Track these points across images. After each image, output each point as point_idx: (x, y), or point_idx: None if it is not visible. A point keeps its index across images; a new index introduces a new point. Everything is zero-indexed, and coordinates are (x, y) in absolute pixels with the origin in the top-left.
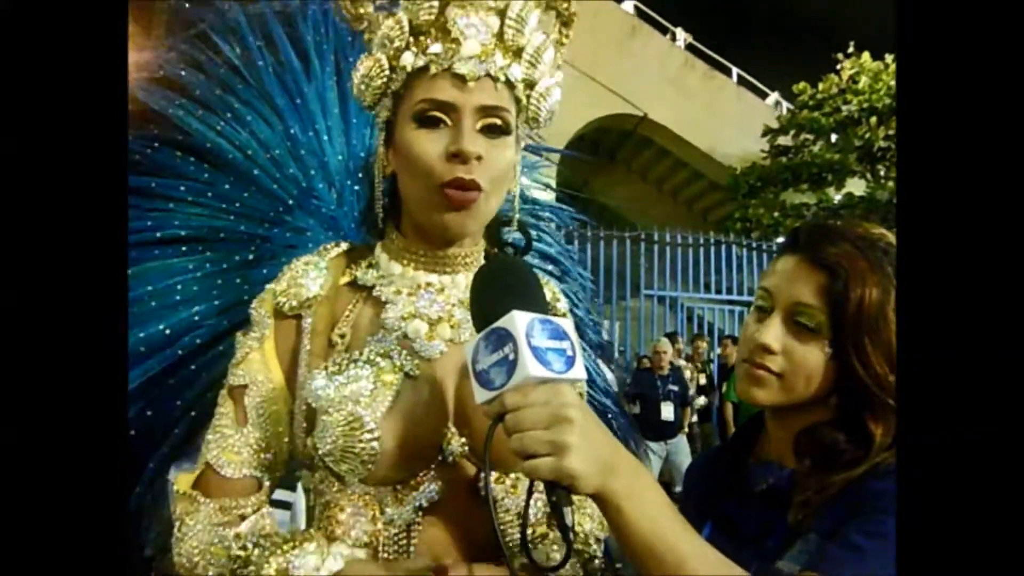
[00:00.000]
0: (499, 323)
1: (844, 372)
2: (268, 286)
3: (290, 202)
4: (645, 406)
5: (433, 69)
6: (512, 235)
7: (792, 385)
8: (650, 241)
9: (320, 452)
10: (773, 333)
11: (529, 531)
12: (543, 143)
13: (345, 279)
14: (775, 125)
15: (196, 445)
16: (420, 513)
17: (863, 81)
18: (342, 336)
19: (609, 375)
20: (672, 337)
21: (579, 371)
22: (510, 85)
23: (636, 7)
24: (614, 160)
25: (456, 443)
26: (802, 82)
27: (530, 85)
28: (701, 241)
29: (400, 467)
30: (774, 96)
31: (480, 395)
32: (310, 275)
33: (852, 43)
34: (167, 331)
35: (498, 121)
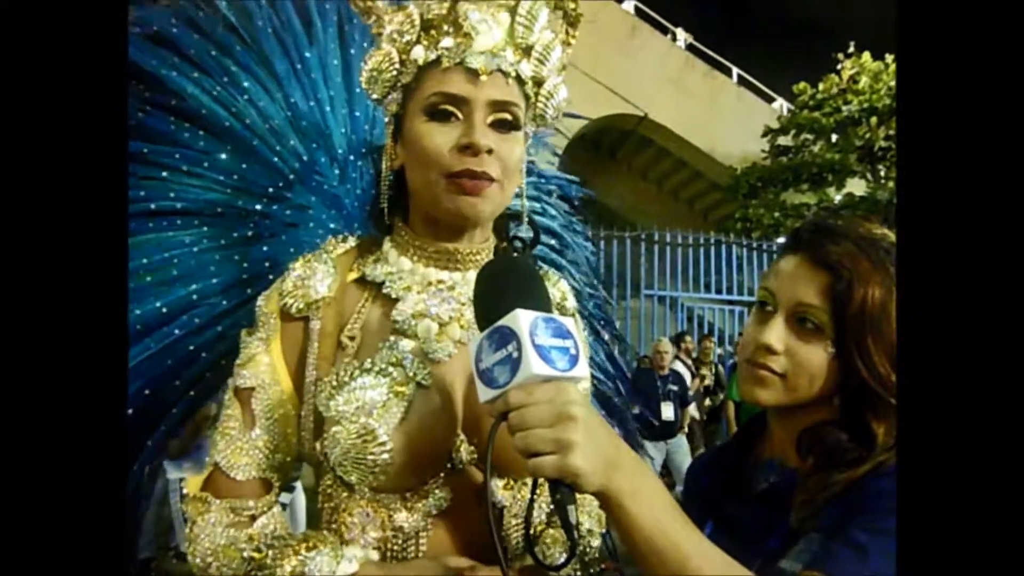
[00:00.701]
0: (502, 321)
1: (847, 372)
2: (273, 284)
3: (291, 177)
4: (645, 405)
5: (445, 63)
6: (519, 230)
7: (795, 385)
8: (650, 241)
9: (330, 460)
10: (776, 333)
11: (531, 530)
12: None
13: (353, 275)
14: (775, 125)
15: (194, 431)
16: (429, 520)
17: (863, 81)
18: (352, 338)
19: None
20: (681, 337)
21: (582, 369)
22: (520, 81)
23: (636, 7)
24: (615, 160)
25: (465, 450)
26: (802, 82)
27: (538, 83)
28: (701, 241)
29: (410, 476)
30: (780, 102)
31: (484, 393)
32: (317, 275)
33: (852, 43)
34: (164, 309)
35: (508, 116)
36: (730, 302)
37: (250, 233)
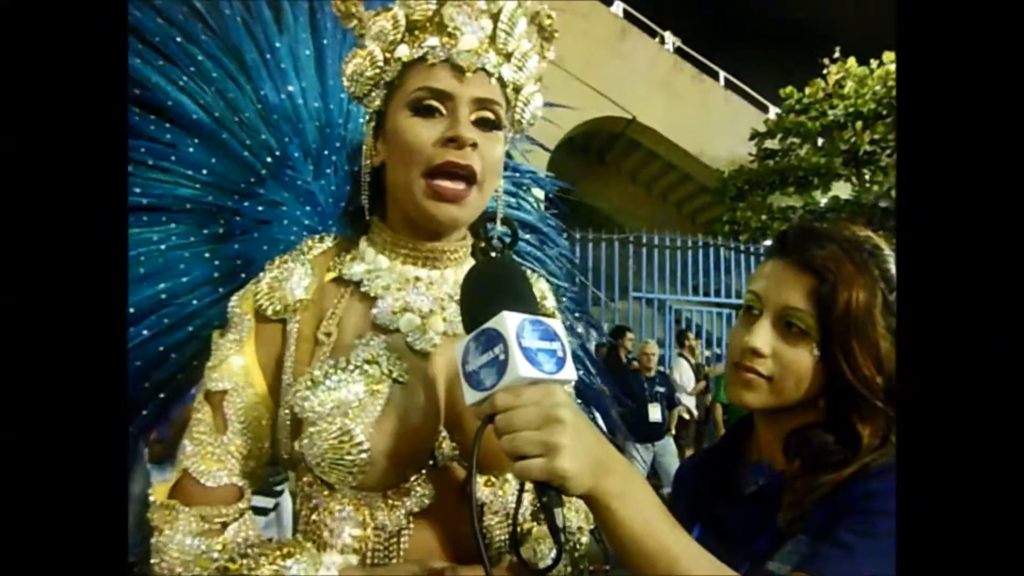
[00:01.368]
0: (489, 324)
1: (832, 374)
2: (248, 285)
3: (263, 172)
4: (633, 407)
5: (431, 59)
6: (498, 230)
7: (781, 388)
8: (639, 243)
9: (308, 461)
10: (763, 336)
11: (518, 530)
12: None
13: (331, 275)
14: (762, 129)
15: (177, 435)
16: (410, 518)
17: (849, 86)
18: (328, 335)
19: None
20: (683, 336)
21: (570, 372)
22: (502, 83)
23: (625, 10)
24: (603, 162)
25: (447, 447)
26: (789, 86)
27: (517, 89)
28: (689, 244)
29: (391, 474)
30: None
31: (470, 396)
32: (294, 277)
33: (838, 48)
34: (131, 309)
35: (491, 115)
36: (718, 304)
37: (221, 230)
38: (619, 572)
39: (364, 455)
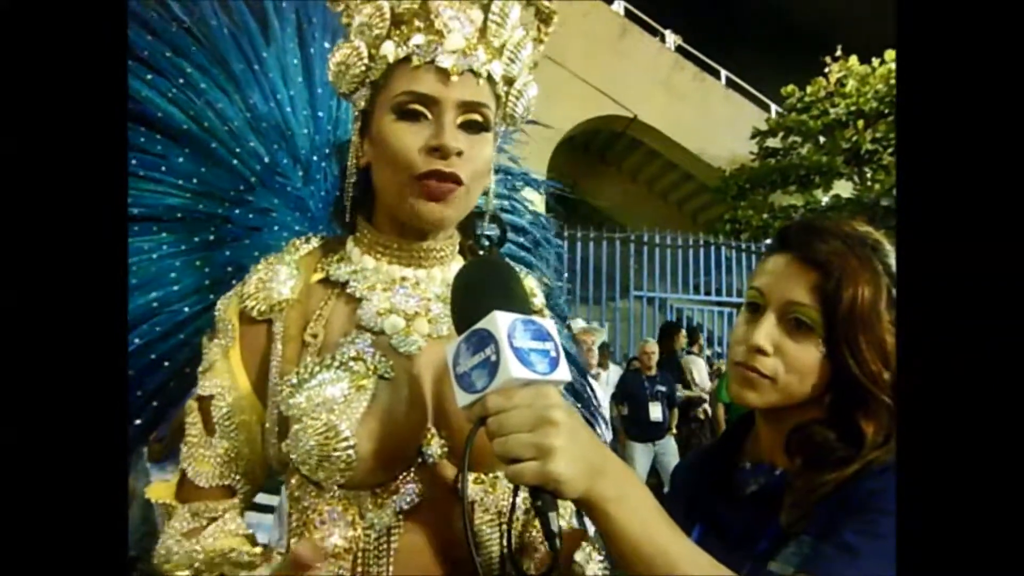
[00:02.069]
0: (480, 324)
1: (838, 370)
2: (234, 288)
3: (252, 180)
4: (633, 407)
5: (415, 61)
6: (486, 228)
7: (785, 385)
8: (640, 242)
9: (295, 460)
10: (766, 334)
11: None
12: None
13: (317, 276)
14: (764, 127)
15: (177, 434)
16: (400, 516)
17: (850, 84)
18: (315, 336)
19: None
20: (693, 335)
21: (563, 372)
22: (491, 81)
23: (626, 9)
24: (604, 161)
25: (436, 444)
26: (790, 85)
27: (509, 82)
28: (691, 242)
29: (379, 471)
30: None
31: (462, 398)
32: (279, 277)
33: (840, 47)
34: None
35: (479, 117)
36: (719, 303)
37: (212, 238)
38: (618, 573)
39: (350, 451)
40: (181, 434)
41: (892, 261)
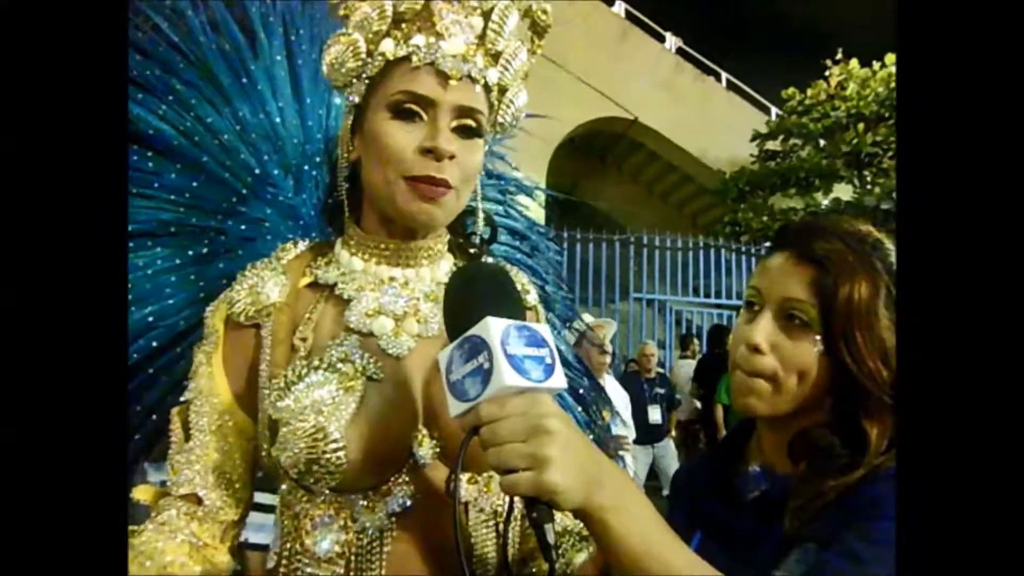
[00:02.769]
0: (473, 331)
1: (837, 370)
2: (223, 293)
3: (244, 191)
4: (632, 409)
5: (415, 61)
6: (476, 228)
7: (785, 386)
8: (639, 244)
9: (284, 464)
10: (763, 331)
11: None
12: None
13: (306, 280)
14: (764, 130)
15: (159, 453)
16: (392, 519)
17: (851, 88)
18: (304, 339)
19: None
20: (687, 340)
21: (559, 380)
22: (486, 88)
23: (627, 11)
24: (604, 163)
25: (427, 446)
26: (791, 88)
27: (502, 90)
28: (691, 245)
29: (370, 474)
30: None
31: (454, 407)
32: (267, 282)
33: (840, 50)
34: None
35: (472, 123)
36: (719, 306)
37: (205, 250)
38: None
39: (340, 453)
40: (153, 441)
41: (893, 260)
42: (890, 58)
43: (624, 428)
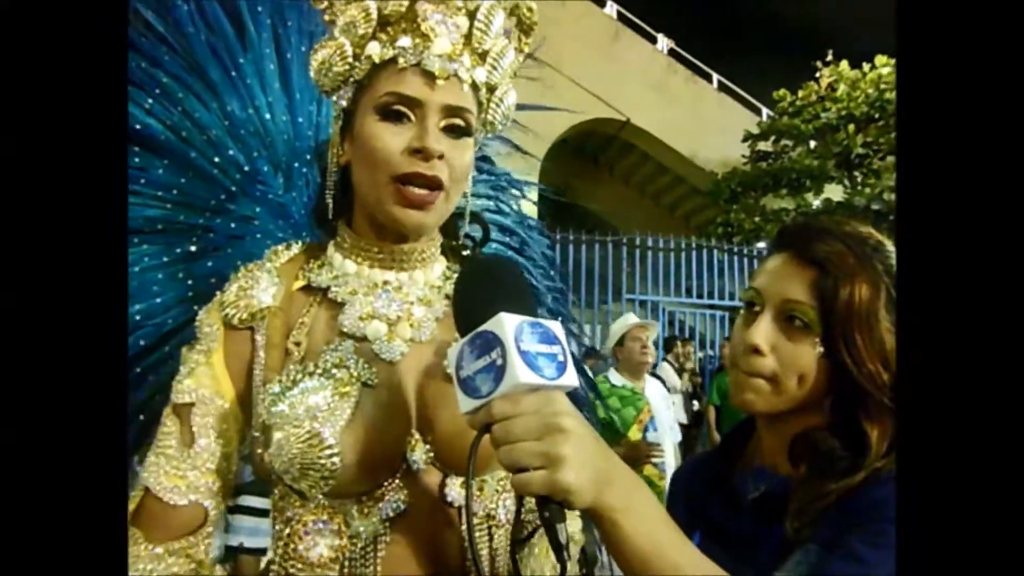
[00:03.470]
0: (485, 326)
1: (837, 371)
2: (216, 296)
3: (232, 188)
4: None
5: (401, 62)
6: (470, 228)
7: (785, 387)
8: (632, 245)
9: (277, 470)
10: (762, 332)
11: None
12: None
13: (299, 283)
14: (755, 131)
15: (144, 452)
16: (386, 525)
17: (841, 89)
18: (298, 344)
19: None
20: (671, 342)
21: (571, 377)
22: (474, 87)
23: (619, 12)
24: (597, 164)
25: (421, 451)
26: (782, 89)
27: (491, 89)
28: (683, 246)
29: (363, 479)
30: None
31: (465, 404)
32: (260, 284)
33: (831, 51)
34: None
35: (461, 122)
36: (711, 306)
37: (193, 248)
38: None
39: (335, 459)
40: (140, 441)
41: (894, 263)
42: (880, 59)
43: (655, 434)
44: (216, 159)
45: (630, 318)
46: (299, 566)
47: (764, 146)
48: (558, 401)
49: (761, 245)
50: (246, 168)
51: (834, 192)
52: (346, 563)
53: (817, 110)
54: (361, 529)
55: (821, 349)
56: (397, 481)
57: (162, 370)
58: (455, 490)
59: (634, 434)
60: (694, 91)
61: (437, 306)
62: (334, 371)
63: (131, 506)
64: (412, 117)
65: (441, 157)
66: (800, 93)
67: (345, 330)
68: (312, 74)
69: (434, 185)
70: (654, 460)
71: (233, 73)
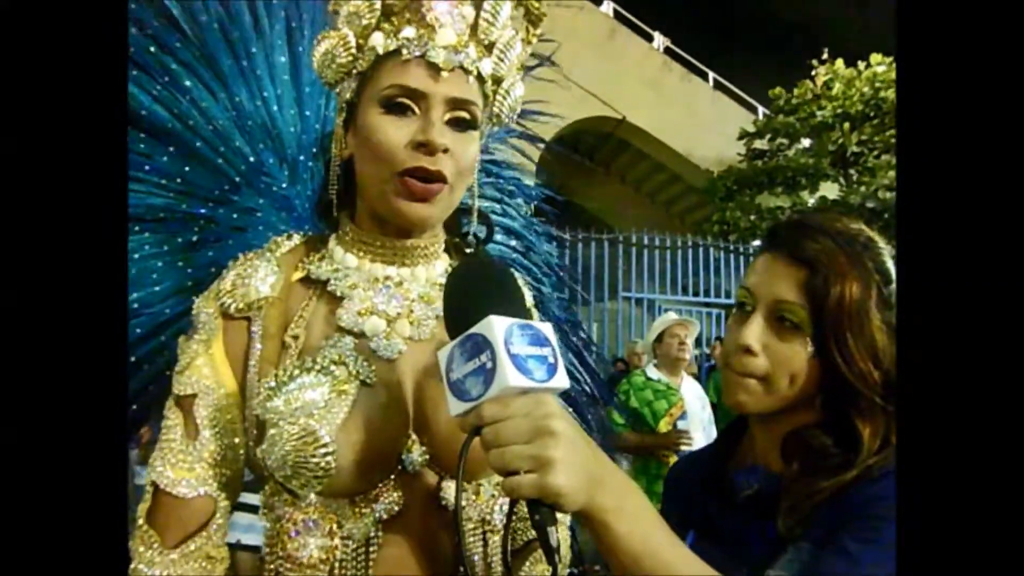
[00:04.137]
0: (475, 328)
1: (828, 370)
2: (212, 285)
3: (237, 179)
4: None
5: (405, 54)
6: (473, 227)
7: (776, 387)
8: (628, 243)
9: (269, 466)
10: (754, 333)
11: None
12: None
13: (298, 274)
14: (751, 129)
15: (157, 432)
16: (379, 526)
17: (837, 87)
18: (295, 337)
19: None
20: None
21: (562, 379)
22: (480, 79)
23: (615, 10)
24: (592, 162)
25: (417, 451)
26: (777, 87)
27: (497, 81)
28: (679, 244)
29: (358, 479)
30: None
31: (455, 407)
32: (259, 273)
33: (826, 50)
34: None
35: (466, 115)
36: (707, 304)
37: (194, 238)
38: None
39: (329, 458)
40: (134, 429)
41: (886, 259)
42: (875, 58)
43: (685, 423)
44: (222, 149)
45: (671, 315)
46: (288, 566)
47: (760, 144)
48: (548, 403)
49: (757, 243)
50: (252, 160)
51: (830, 190)
52: (337, 565)
53: (812, 108)
54: (354, 530)
55: (812, 348)
56: (391, 482)
57: (158, 360)
58: (451, 493)
59: (664, 427)
60: (690, 89)
61: (438, 304)
62: (332, 368)
63: (143, 507)
64: (416, 110)
65: (446, 151)
66: (796, 91)
67: (343, 325)
68: (315, 65)
69: (438, 179)
70: (682, 447)
71: (244, 62)
